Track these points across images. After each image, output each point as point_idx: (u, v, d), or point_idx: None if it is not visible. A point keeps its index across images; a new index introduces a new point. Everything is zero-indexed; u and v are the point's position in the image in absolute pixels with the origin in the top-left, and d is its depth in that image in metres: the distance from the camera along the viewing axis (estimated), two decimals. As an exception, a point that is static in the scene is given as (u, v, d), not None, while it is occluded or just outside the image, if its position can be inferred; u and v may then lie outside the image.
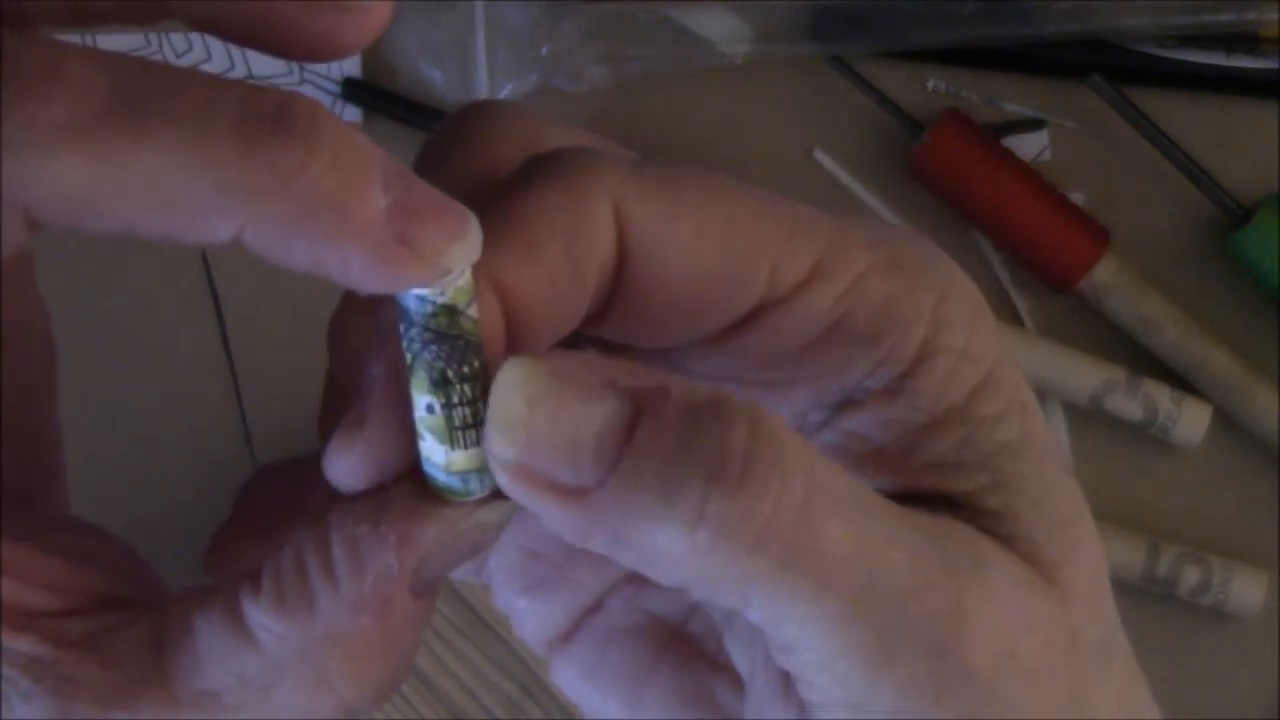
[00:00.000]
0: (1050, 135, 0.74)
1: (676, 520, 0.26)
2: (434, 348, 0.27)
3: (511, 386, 0.27)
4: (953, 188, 0.72)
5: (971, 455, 0.29)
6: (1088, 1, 0.71)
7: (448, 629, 0.72)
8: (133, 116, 0.24)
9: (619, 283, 0.29)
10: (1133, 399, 0.73)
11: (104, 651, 0.27)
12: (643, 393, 0.27)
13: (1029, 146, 0.74)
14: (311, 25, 0.26)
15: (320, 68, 0.74)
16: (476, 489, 0.28)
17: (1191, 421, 0.73)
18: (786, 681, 0.29)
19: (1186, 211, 0.74)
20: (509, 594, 0.35)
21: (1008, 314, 0.75)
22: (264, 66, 0.73)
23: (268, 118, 0.25)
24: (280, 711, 0.27)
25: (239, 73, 0.73)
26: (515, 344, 0.28)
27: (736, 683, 0.33)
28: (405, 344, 0.27)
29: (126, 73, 0.25)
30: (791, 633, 0.27)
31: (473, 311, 0.27)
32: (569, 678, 0.34)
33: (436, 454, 0.27)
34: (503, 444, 0.27)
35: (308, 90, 0.74)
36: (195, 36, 0.74)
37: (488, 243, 0.27)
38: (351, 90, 0.74)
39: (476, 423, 0.27)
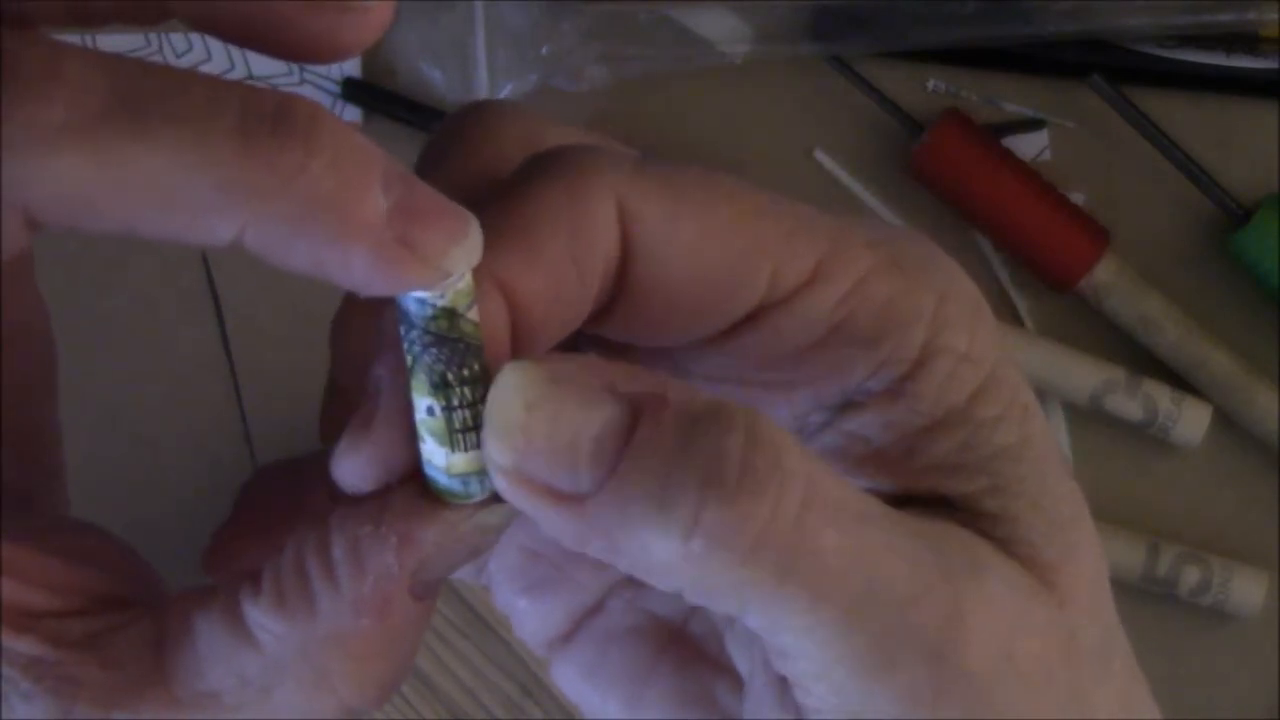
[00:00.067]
0: (1050, 135, 0.74)
1: (671, 527, 0.26)
2: (434, 350, 0.27)
3: (510, 390, 0.27)
4: (953, 188, 0.72)
5: (971, 458, 0.29)
6: (1088, 1, 0.71)
7: (448, 629, 0.72)
8: (133, 117, 0.24)
9: (621, 282, 0.29)
10: (1133, 399, 0.72)
11: (104, 652, 0.27)
12: (641, 398, 0.27)
13: (1029, 146, 0.74)
14: (312, 26, 0.26)
15: (320, 68, 0.74)
16: (477, 491, 0.28)
17: (1191, 421, 0.73)
18: (784, 685, 0.29)
19: (1186, 211, 0.74)
20: (509, 594, 0.34)
21: (1008, 314, 0.75)
22: (264, 67, 0.73)
23: (268, 118, 0.25)
24: (280, 712, 0.27)
25: (239, 73, 0.73)
26: (518, 344, 0.28)
27: (737, 683, 0.33)
28: (405, 346, 0.27)
29: (126, 73, 0.25)
30: (787, 640, 0.27)
31: (473, 314, 0.27)
32: (569, 678, 0.34)
33: (437, 456, 0.27)
34: (500, 448, 0.27)
35: (308, 90, 0.74)
36: (195, 36, 0.73)
37: (490, 243, 0.27)
38: (351, 90, 0.74)
39: (477, 426, 0.27)
